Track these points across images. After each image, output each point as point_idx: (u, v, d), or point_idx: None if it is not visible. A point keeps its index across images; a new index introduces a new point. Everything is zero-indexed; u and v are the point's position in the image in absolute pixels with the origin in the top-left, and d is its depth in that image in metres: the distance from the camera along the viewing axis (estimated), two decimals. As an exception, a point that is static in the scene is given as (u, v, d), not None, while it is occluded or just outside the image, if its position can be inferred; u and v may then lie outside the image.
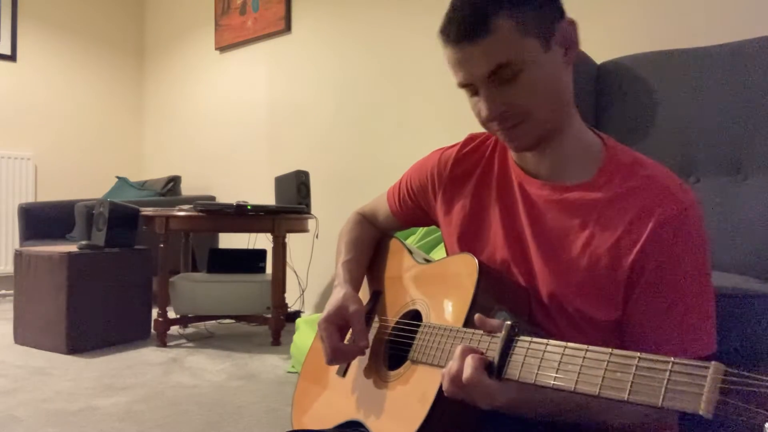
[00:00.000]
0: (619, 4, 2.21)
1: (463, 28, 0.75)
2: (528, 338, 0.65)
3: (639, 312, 0.75)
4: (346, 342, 0.93)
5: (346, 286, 0.98)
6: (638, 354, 0.55)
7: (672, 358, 0.52)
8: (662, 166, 0.80)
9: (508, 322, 0.67)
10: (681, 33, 1.99)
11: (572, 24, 0.79)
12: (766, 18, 1.82)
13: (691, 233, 0.74)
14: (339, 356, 0.92)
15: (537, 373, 0.62)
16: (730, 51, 1.68)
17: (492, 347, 0.68)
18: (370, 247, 1.10)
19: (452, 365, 0.68)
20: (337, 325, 0.93)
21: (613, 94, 1.87)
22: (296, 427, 1.00)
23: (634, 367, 0.54)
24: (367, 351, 0.93)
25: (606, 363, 0.57)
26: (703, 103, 1.68)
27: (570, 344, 0.61)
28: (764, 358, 1.06)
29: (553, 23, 0.77)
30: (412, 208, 1.04)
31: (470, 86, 0.79)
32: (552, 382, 0.60)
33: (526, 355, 0.64)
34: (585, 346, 0.60)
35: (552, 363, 0.61)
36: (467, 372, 0.66)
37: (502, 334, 0.67)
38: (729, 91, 1.64)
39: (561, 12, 0.79)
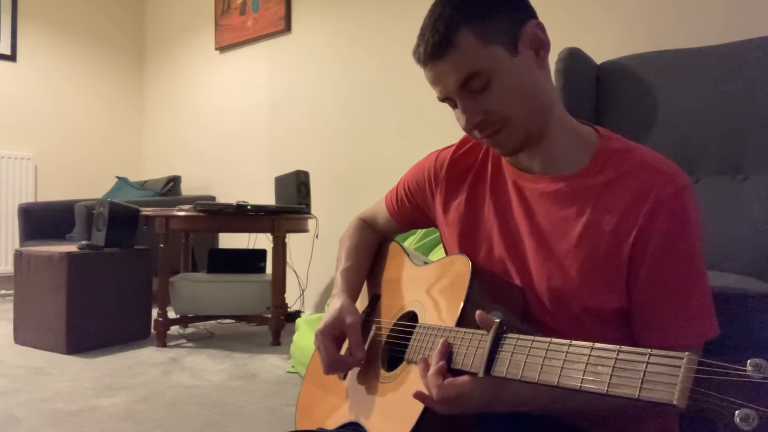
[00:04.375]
0: (619, 4, 2.21)
1: (429, 49, 0.78)
2: (515, 335, 0.65)
3: (642, 297, 0.75)
4: (342, 353, 0.95)
5: (342, 296, 1.00)
6: (618, 347, 0.55)
7: (649, 350, 0.52)
8: (655, 150, 0.81)
9: (497, 320, 0.68)
10: (681, 33, 1.99)
11: (539, 25, 0.80)
12: (766, 18, 1.82)
13: (688, 213, 0.74)
14: (336, 367, 0.95)
15: (523, 369, 0.62)
16: (730, 51, 1.68)
17: (482, 345, 0.69)
18: (370, 252, 1.11)
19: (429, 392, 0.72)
20: (333, 336, 0.95)
21: (613, 94, 1.87)
22: (299, 428, 1.01)
23: (613, 360, 0.55)
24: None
25: (587, 357, 0.57)
26: (703, 104, 1.67)
27: (554, 339, 0.61)
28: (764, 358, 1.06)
29: (518, 28, 0.78)
30: (411, 210, 1.05)
31: (449, 100, 0.81)
32: (537, 377, 0.61)
33: (513, 352, 0.64)
34: (568, 341, 0.60)
35: (537, 359, 0.62)
36: (434, 391, 0.71)
37: (491, 332, 0.67)
38: (729, 92, 1.64)
39: (526, 15, 0.80)
